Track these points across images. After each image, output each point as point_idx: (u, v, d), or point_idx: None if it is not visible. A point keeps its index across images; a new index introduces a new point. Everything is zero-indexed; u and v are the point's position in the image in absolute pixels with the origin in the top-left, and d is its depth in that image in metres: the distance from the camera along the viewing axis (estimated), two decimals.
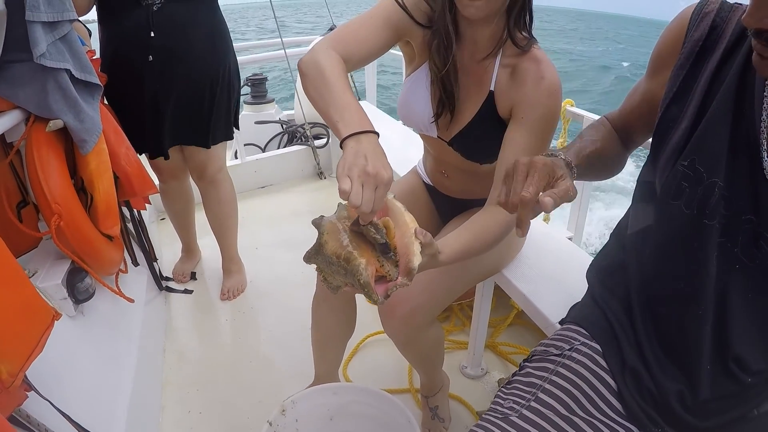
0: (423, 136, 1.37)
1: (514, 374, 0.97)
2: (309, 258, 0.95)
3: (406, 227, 0.91)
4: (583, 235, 1.96)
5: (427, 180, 1.52)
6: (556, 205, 0.72)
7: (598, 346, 0.94)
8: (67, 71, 1.42)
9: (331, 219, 0.94)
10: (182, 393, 1.80)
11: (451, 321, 2.10)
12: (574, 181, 0.81)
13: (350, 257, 0.85)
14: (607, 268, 1.01)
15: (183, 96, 1.84)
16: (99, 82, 1.54)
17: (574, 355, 0.93)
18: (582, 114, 1.83)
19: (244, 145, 3.36)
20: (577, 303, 1.23)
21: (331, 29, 3.69)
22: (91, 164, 1.50)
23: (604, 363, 0.92)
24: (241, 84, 3.48)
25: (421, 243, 0.90)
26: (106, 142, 1.58)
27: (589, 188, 1.88)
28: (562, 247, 1.61)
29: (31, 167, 1.37)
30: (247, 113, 3.92)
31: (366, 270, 0.84)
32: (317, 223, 0.94)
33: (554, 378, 0.90)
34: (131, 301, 1.62)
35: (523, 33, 1.12)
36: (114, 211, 1.58)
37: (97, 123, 1.52)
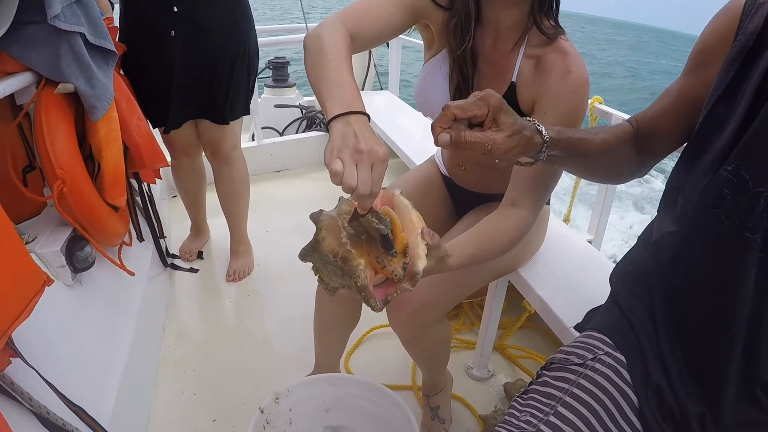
0: None
1: (531, 383, 0.89)
2: (305, 255, 0.87)
3: (412, 226, 0.83)
4: (603, 240, 1.88)
5: (444, 171, 1.46)
6: (459, 146, 0.72)
7: (622, 357, 0.86)
8: (82, 35, 1.39)
9: (330, 213, 0.85)
10: (178, 372, 1.76)
11: (460, 319, 2.04)
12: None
13: (348, 256, 0.77)
14: (633, 273, 0.94)
15: (203, 70, 1.81)
16: (114, 49, 1.50)
17: (597, 366, 0.85)
18: (611, 112, 1.75)
19: (262, 128, 3.32)
20: (597, 308, 1.16)
21: None
22: (100, 131, 1.47)
23: (627, 376, 0.84)
24: (263, 67, 3.46)
25: (427, 245, 0.83)
26: (117, 110, 1.54)
27: (612, 192, 1.79)
28: (581, 250, 1.54)
29: (38, 130, 1.34)
30: (267, 96, 3.88)
31: (364, 272, 0.77)
32: (315, 217, 0.85)
33: (575, 390, 0.82)
34: (132, 274, 1.58)
35: (550, 20, 1.05)
36: (121, 182, 1.54)
37: (109, 90, 1.48)
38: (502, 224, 1.03)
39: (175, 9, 1.70)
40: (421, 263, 0.80)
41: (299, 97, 3.98)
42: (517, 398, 0.87)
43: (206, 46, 1.78)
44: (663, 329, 0.84)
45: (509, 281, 1.49)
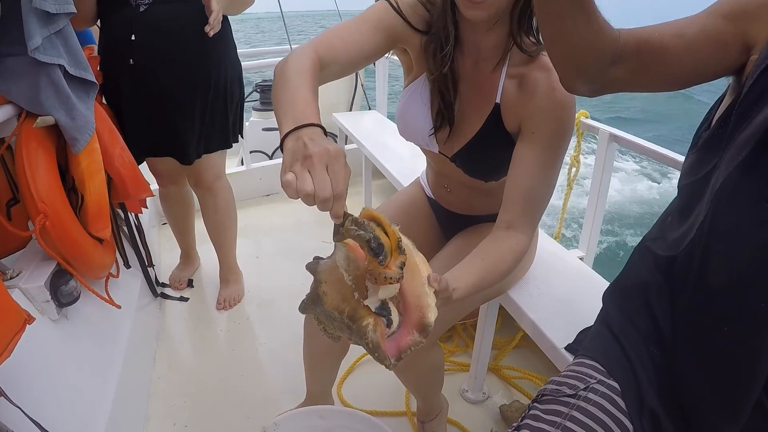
0: (424, 150, 1.29)
1: (523, 418, 0.85)
2: (306, 309, 0.81)
3: (417, 271, 0.78)
4: (594, 256, 1.87)
5: (430, 194, 1.45)
6: None
7: (616, 385, 0.83)
8: (61, 67, 1.38)
9: (328, 263, 0.79)
10: (169, 404, 1.73)
11: (453, 341, 2.01)
12: None
13: (355, 315, 0.73)
14: (628, 290, 0.91)
15: (166, 103, 1.74)
16: (94, 80, 1.49)
17: (590, 396, 0.82)
18: (597, 126, 1.75)
19: (251, 152, 3.31)
20: (588, 329, 1.14)
21: None
22: (82, 163, 1.45)
23: (623, 404, 0.81)
24: (249, 91, 3.43)
25: (435, 292, 0.78)
26: (99, 141, 1.53)
27: (603, 206, 1.79)
28: (573, 268, 1.52)
29: (18, 164, 1.32)
30: (255, 120, 3.87)
31: (375, 330, 0.72)
32: (312, 268, 0.79)
33: (568, 424, 0.79)
34: (118, 307, 1.56)
35: (531, 38, 1.05)
36: (105, 213, 1.52)
37: (90, 121, 1.47)
38: (500, 250, 1.01)
39: (133, 37, 1.64)
40: (432, 314, 0.75)
41: None
42: None
43: (167, 76, 1.71)
44: (657, 351, 0.82)
45: (500, 303, 1.47)
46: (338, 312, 0.75)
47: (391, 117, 3.28)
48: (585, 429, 0.77)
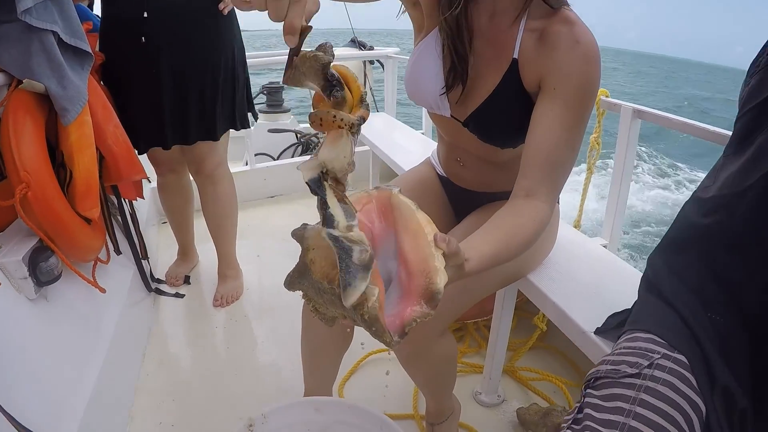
0: (435, 117, 1.19)
1: (580, 409, 0.71)
2: (292, 283, 0.70)
3: (421, 232, 0.67)
4: (618, 245, 1.74)
5: (441, 171, 1.34)
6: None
7: (683, 358, 0.70)
8: (55, 35, 1.31)
9: (317, 228, 0.66)
10: (156, 402, 1.60)
11: (465, 341, 1.88)
12: None
13: None
14: (682, 241, 0.78)
15: (180, 82, 1.70)
16: (90, 50, 1.41)
17: (657, 373, 0.68)
18: (619, 104, 1.63)
19: (256, 155, 3.23)
20: (618, 313, 1.02)
21: (352, 41, 3.60)
22: (71, 136, 1.37)
23: (694, 381, 0.68)
24: (257, 92, 3.39)
25: (444, 254, 0.66)
26: (91, 116, 1.44)
27: (626, 191, 1.67)
28: (596, 254, 1.40)
29: (4, 132, 1.24)
30: (261, 122, 3.80)
31: (371, 300, 0.59)
32: (299, 234, 0.68)
33: (639, 411, 0.65)
34: (102, 290, 1.45)
35: None
36: (94, 192, 1.43)
37: (83, 93, 1.39)
38: (519, 218, 0.89)
39: (145, 14, 1.60)
40: (441, 279, 0.63)
41: (294, 122, 3.91)
42: (569, 429, 0.70)
43: (179, 55, 1.67)
44: (719, 318, 0.70)
45: (518, 290, 1.35)
46: (327, 281, 0.62)
47: (399, 118, 3.21)
48: (660, 415, 0.64)
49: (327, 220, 0.60)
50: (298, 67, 0.61)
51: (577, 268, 1.30)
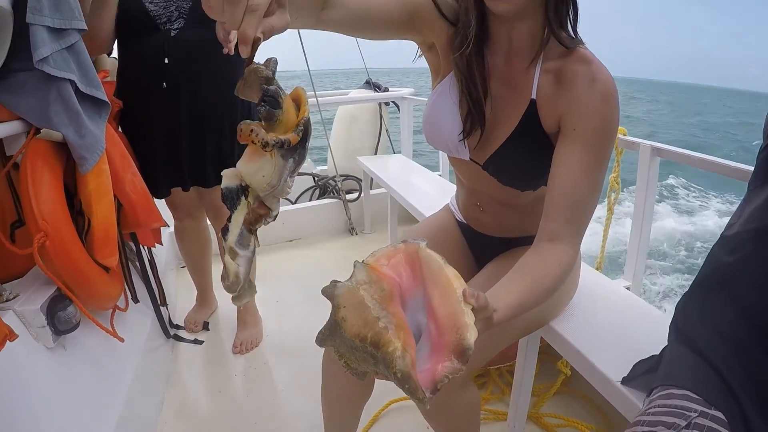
0: (453, 161, 1.18)
1: None
2: (323, 340, 0.69)
3: (450, 287, 0.66)
4: (642, 286, 1.69)
5: (460, 217, 1.32)
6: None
7: (720, 415, 0.66)
8: (72, 83, 1.34)
9: (347, 285, 0.67)
10: None
11: (488, 388, 1.82)
12: None
13: (380, 340, 0.61)
14: (711, 283, 0.75)
15: (198, 124, 1.72)
16: (106, 99, 1.44)
17: None
18: (638, 142, 1.61)
19: None
20: (644, 360, 0.97)
21: (367, 82, 3.64)
22: (90, 185, 1.38)
23: None
24: None
25: (473, 308, 0.66)
26: (109, 164, 1.46)
27: (648, 231, 1.63)
28: (620, 297, 1.36)
29: (23, 180, 1.25)
30: None
31: (404, 357, 0.59)
32: (329, 293, 0.68)
33: None
34: (121, 339, 1.43)
35: (567, 32, 0.95)
36: (112, 240, 1.43)
37: (100, 141, 1.41)
38: (544, 264, 0.87)
39: (166, 60, 1.64)
40: (472, 335, 0.63)
41: (312, 165, 3.94)
42: None
43: (200, 99, 1.70)
44: (750, 362, 0.65)
45: (541, 337, 1.31)
46: (360, 339, 0.62)
47: (416, 159, 3.21)
48: None
49: (223, 231, 0.65)
50: (246, 78, 0.62)
51: (600, 313, 1.26)
